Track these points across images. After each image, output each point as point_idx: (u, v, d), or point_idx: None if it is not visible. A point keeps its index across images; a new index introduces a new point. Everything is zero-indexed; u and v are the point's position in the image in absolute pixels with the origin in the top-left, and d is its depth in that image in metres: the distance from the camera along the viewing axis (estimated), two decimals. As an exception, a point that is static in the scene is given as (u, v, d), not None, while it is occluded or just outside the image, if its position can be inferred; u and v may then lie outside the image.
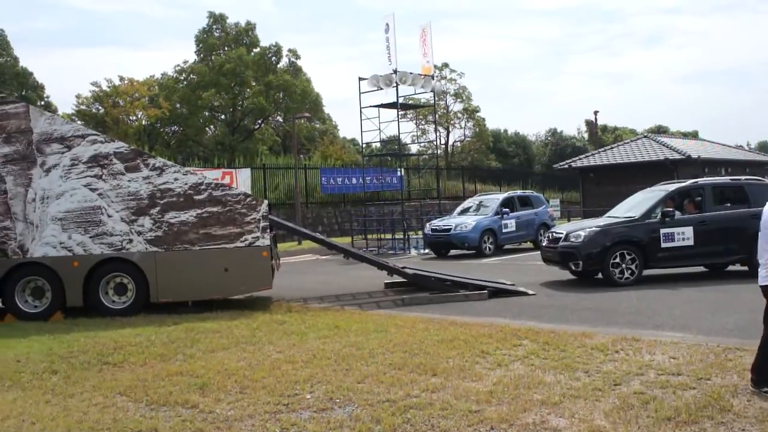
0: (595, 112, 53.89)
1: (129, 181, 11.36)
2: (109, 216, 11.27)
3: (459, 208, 24.35)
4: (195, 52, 51.83)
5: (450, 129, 59.66)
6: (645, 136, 41.98)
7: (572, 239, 13.26)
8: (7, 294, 11.14)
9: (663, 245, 13.04)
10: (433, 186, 34.91)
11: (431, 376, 6.60)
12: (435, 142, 42.42)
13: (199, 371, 7.10)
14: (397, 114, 25.36)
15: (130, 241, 11.27)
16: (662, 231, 13.06)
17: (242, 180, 26.12)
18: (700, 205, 13.62)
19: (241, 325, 9.78)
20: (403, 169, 32.78)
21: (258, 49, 51.79)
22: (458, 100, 58.65)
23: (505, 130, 73.77)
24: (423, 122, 52.95)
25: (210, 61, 50.60)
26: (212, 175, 20.35)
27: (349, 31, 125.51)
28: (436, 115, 44.33)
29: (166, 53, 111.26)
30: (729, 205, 13.85)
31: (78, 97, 48.84)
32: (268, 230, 11.64)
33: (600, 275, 13.23)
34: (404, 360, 7.26)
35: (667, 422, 5.13)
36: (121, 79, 48.48)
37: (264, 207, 11.61)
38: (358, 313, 10.88)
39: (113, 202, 11.30)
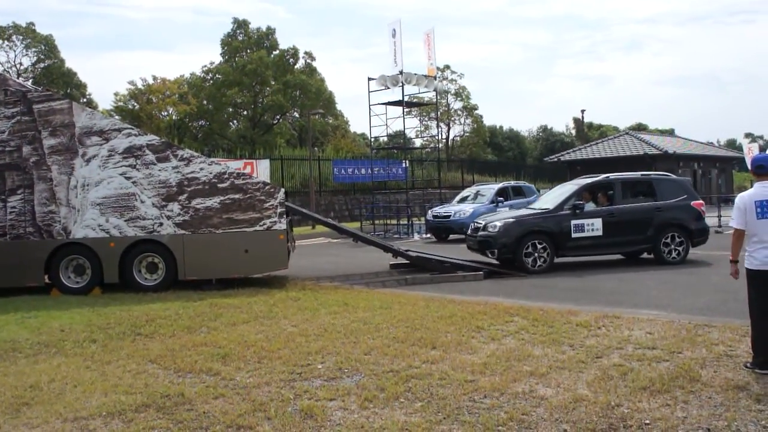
0: (582, 111, 53.78)
1: (160, 170, 11.37)
2: (142, 202, 11.29)
3: (458, 197, 24.27)
4: (220, 54, 51.46)
5: (450, 125, 59.31)
6: (626, 133, 41.76)
7: (489, 229, 12.95)
8: (53, 271, 11.22)
9: (573, 235, 12.75)
10: (434, 176, 34.81)
11: (431, 349, 6.60)
12: (437, 137, 42.24)
13: (221, 342, 7.13)
14: (403, 111, 25.28)
15: (161, 224, 11.30)
16: (573, 222, 12.76)
17: (262, 170, 25.98)
18: (612, 198, 13.38)
19: (259, 301, 9.80)
20: (407, 161, 32.61)
21: (277, 52, 51.36)
22: (458, 98, 58.24)
23: (501, 127, 73.09)
24: (426, 119, 52.55)
25: (234, 63, 50.20)
26: (234, 165, 20.18)
27: (357, 36, 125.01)
28: (438, 113, 44.13)
29: (195, 55, 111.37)
30: (639, 198, 13.61)
31: (116, 94, 48.99)
32: (285, 215, 11.63)
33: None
34: (407, 334, 7.27)
35: (642, 391, 5.13)
36: (154, 78, 48.44)
37: (281, 194, 11.59)
38: (365, 291, 10.87)
39: (146, 189, 11.31)
